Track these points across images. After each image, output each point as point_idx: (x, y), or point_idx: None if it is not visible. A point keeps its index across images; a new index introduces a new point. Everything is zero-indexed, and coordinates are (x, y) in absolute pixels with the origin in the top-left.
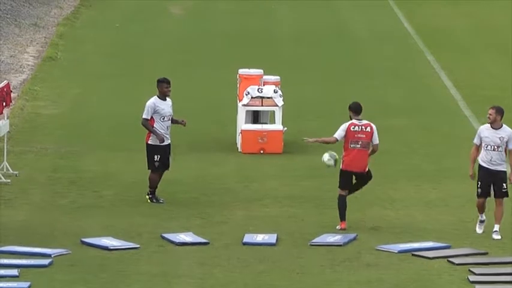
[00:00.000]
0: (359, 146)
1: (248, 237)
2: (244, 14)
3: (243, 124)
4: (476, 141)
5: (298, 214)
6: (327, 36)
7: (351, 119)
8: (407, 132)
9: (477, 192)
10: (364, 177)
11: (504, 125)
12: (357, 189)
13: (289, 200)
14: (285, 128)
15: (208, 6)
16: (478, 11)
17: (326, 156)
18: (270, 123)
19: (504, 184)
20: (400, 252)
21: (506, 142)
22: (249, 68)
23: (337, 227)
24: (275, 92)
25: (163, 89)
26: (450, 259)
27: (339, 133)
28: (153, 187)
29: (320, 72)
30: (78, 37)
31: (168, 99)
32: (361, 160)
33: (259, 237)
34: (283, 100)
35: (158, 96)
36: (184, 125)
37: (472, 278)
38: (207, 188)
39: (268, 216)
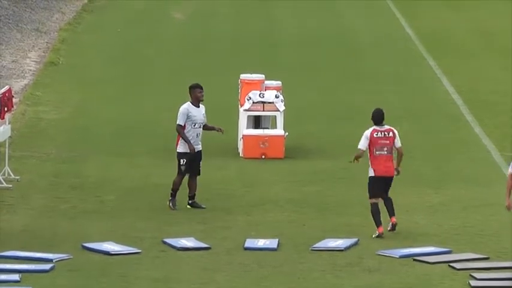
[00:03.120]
0: (385, 152)
1: (249, 242)
2: (246, 19)
3: (244, 129)
4: None
5: (299, 219)
6: (328, 41)
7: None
8: (408, 137)
9: None
10: (390, 183)
11: None
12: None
13: (290, 205)
14: (287, 133)
15: (209, 11)
16: (480, 16)
17: None
18: (271, 128)
19: None
20: (402, 257)
21: None
22: (250, 73)
23: (374, 236)
24: (276, 97)
25: (196, 94)
26: (451, 264)
27: (363, 143)
28: (174, 190)
29: (321, 77)
30: (80, 42)
31: (201, 105)
32: (389, 165)
33: (261, 242)
34: (284, 105)
35: (191, 103)
36: (222, 133)
37: (473, 283)
38: (208, 192)
39: (269, 221)
